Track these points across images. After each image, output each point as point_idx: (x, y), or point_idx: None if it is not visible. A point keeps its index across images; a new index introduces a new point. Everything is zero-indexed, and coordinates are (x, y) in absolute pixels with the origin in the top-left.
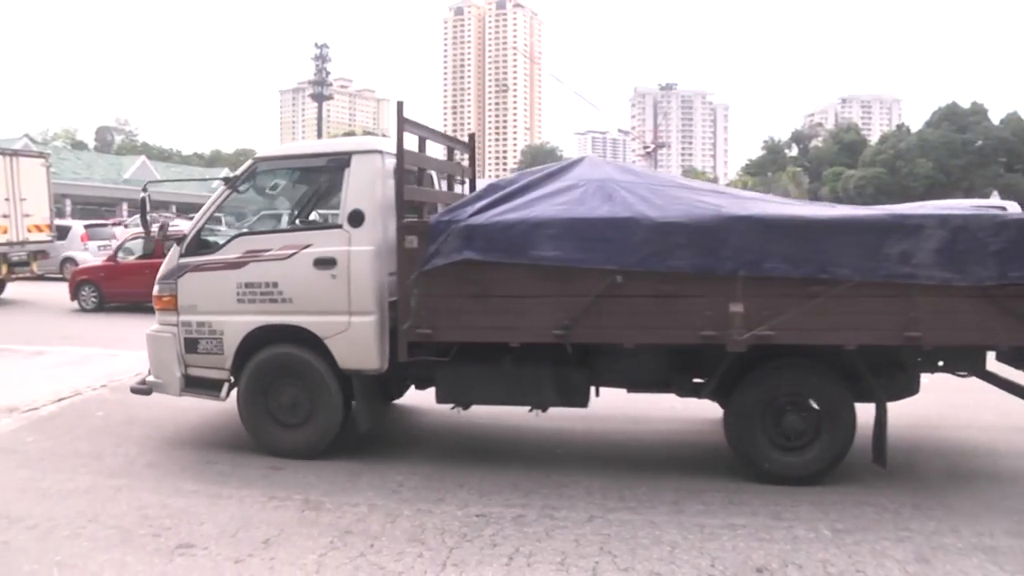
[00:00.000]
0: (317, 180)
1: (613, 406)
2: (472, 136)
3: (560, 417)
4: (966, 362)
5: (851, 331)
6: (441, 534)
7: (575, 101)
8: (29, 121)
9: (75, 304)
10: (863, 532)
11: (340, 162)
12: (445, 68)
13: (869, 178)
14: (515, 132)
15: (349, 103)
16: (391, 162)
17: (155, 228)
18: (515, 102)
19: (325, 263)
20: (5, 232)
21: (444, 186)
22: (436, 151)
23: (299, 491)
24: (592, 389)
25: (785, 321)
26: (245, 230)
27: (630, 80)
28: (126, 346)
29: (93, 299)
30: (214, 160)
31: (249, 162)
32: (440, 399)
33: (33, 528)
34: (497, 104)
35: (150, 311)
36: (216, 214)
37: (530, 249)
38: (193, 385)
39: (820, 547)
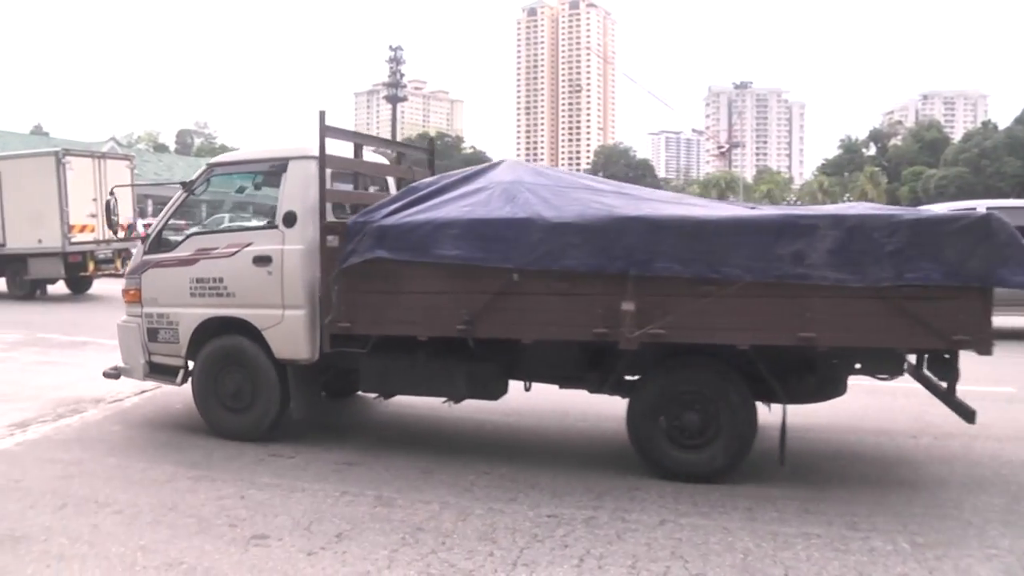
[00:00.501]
0: (275, 183)
1: None
2: (431, 140)
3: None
4: (884, 365)
5: (743, 331)
6: (512, 534)
7: (649, 101)
8: (115, 125)
9: None
10: (945, 547)
11: (279, 167)
12: (518, 69)
13: (951, 178)
14: (588, 132)
15: (423, 105)
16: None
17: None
18: (588, 102)
19: (262, 260)
20: (92, 231)
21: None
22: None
23: (372, 487)
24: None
25: (676, 320)
26: (197, 230)
27: (704, 78)
28: None
29: None
30: None
31: (204, 167)
32: (363, 388)
33: (119, 513)
34: (570, 104)
35: None
36: (176, 215)
37: (434, 248)
38: (155, 371)
39: (898, 560)
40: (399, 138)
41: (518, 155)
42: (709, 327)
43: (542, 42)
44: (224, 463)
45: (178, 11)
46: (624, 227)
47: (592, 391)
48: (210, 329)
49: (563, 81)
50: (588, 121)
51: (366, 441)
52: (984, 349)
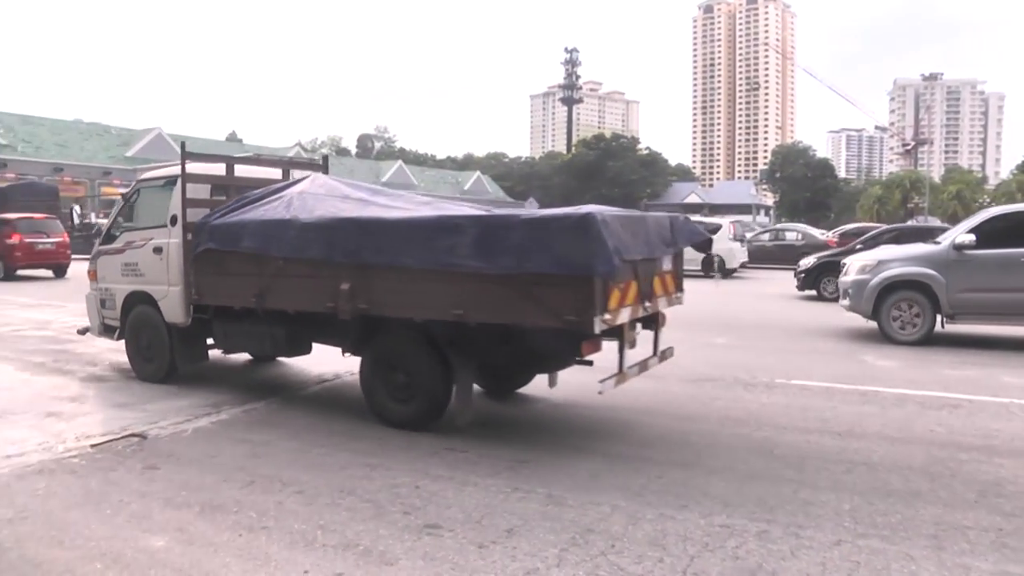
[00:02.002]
0: (169, 194)
1: (880, 424)
2: (326, 157)
3: (813, 430)
4: (546, 347)
5: (419, 308)
6: (683, 541)
7: (829, 97)
8: (300, 131)
9: None
10: None
11: (171, 182)
12: (695, 67)
13: None
14: (765, 131)
15: (598, 106)
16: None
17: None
18: (766, 100)
19: (158, 250)
20: None
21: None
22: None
23: (543, 485)
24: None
25: (375, 298)
26: (126, 227)
27: (890, 71)
28: None
29: None
30: (466, 163)
31: (135, 183)
32: (215, 346)
33: (300, 493)
34: (747, 103)
35: None
36: (119, 216)
37: (239, 241)
38: (105, 330)
39: None
40: (574, 139)
41: (693, 156)
42: (396, 304)
43: (718, 39)
44: (399, 453)
45: (361, 20)
46: (341, 227)
47: (343, 352)
48: (133, 300)
49: (740, 79)
50: (765, 120)
51: (538, 440)
52: (588, 328)
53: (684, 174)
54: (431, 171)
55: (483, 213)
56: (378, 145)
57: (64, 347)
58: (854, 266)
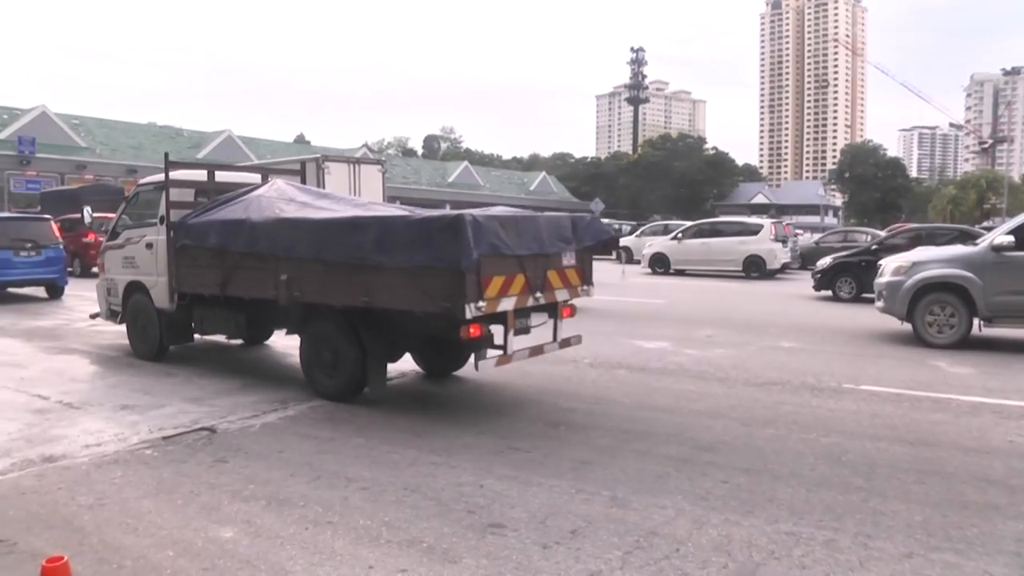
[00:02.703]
0: (159, 197)
1: (955, 433)
2: (303, 163)
3: (883, 438)
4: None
5: (337, 295)
6: (748, 548)
7: (901, 94)
8: (367, 132)
9: None
10: None
11: (161, 187)
12: (762, 65)
13: None
14: (834, 130)
15: (665, 106)
16: (188, 188)
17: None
18: (835, 98)
19: (149, 245)
20: None
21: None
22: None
23: (607, 487)
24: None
25: (306, 287)
26: (127, 226)
27: (967, 66)
28: None
29: None
30: (532, 164)
31: (135, 187)
32: (195, 331)
33: (366, 489)
34: (816, 101)
35: None
36: (122, 216)
37: (207, 238)
38: (111, 315)
39: None
40: (640, 140)
41: (760, 156)
42: (321, 292)
43: (786, 36)
44: (463, 452)
45: (428, 22)
46: (280, 226)
47: (287, 333)
48: (131, 289)
49: (808, 77)
50: (834, 118)
51: (602, 441)
52: (460, 314)
53: (751, 174)
54: (497, 171)
55: (388, 214)
56: (444, 146)
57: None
58: (889, 267)
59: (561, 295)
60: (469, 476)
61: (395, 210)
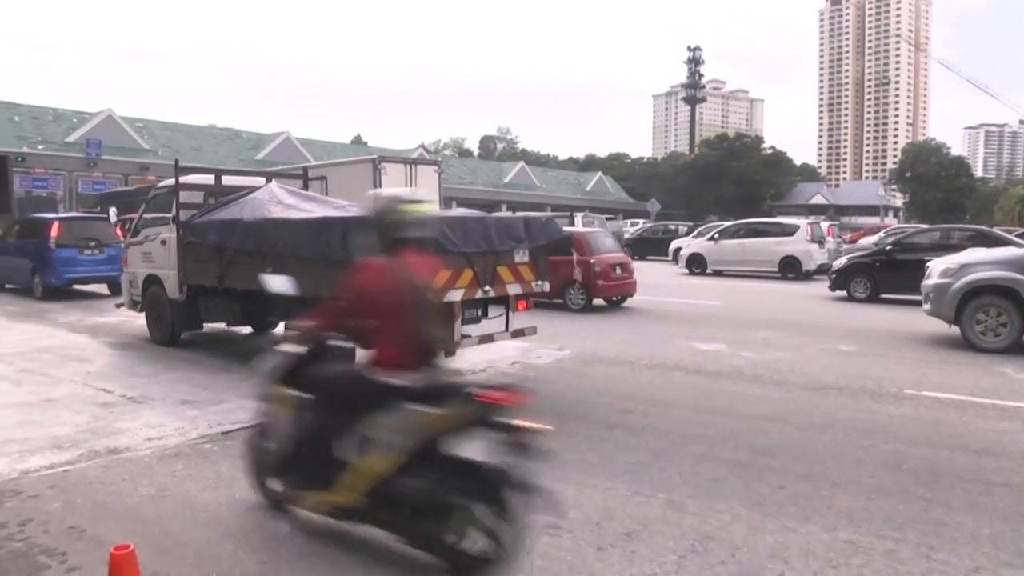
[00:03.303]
0: (171, 198)
1: (1020, 442)
2: (306, 169)
3: (947, 446)
4: None
5: (313, 286)
6: (805, 555)
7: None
8: (424, 133)
9: None
10: None
11: (173, 189)
12: (821, 63)
13: None
14: (896, 128)
15: (722, 105)
16: (197, 191)
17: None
18: (896, 95)
19: (164, 242)
20: None
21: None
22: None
23: (663, 490)
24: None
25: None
26: (146, 224)
27: None
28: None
29: None
30: (588, 164)
31: (153, 190)
32: (202, 319)
33: None
34: (876, 98)
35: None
36: (143, 215)
37: (207, 236)
38: (133, 305)
39: None
40: (697, 139)
41: (819, 155)
42: (300, 284)
43: (846, 32)
44: None
45: (484, 22)
46: (265, 226)
47: (277, 323)
48: (149, 281)
49: (869, 74)
50: (896, 116)
51: (658, 444)
52: None
53: (809, 174)
54: (553, 172)
55: (352, 215)
56: (500, 146)
57: (197, 338)
58: (936, 269)
59: (513, 289)
60: None
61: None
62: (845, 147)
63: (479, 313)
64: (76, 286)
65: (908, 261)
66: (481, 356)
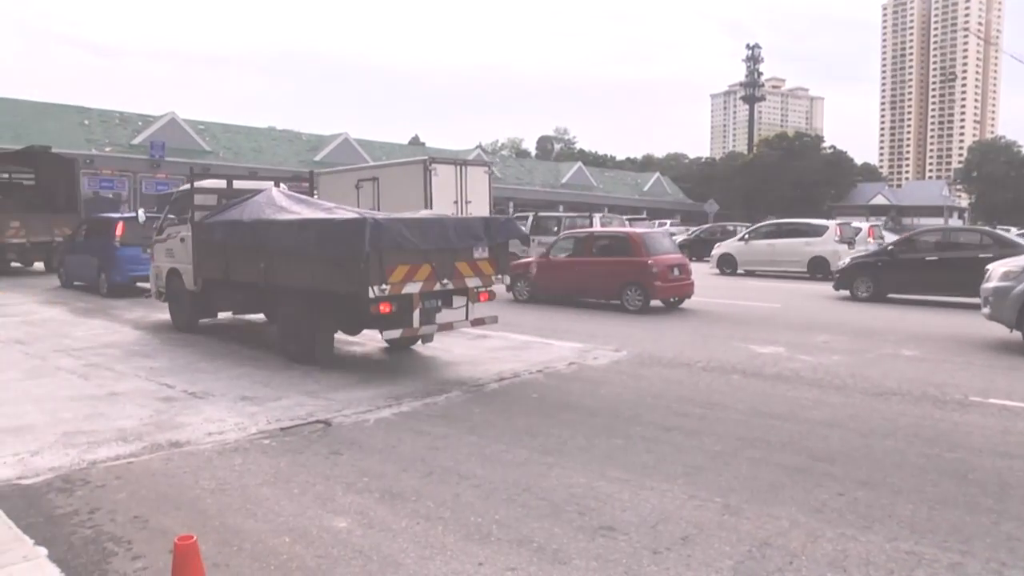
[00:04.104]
0: (189, 200)
1: None
2: (312, 172)
3: (1017, 456)
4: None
5: (295, 279)
6: (865, 565)
7: None
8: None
9: (509, 295)
10: None
11: (190, 193)
12: (883, 60)
13: None
14: (962, 126)
15: (781, 103)
16: (211, 194)
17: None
18: (963, 91)
19: (183, 240)
20: None
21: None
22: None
23: (719, 494)
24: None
25: (276, 274)
26: (169, 224)
27: None
28: (559, 336)
29: (526, 291)
30: (646, 165)
31: (175, 193)
32: (211, 307)
33: (477, 487)
34: (942, 95)
35: (578, 304)
36: (168, 215)
37: (214, 235)
38: (158, 295)
39: None
40: (756, 139)
41: (881, 155)
42: (286, 277)
43: (910, 27)
44: (576, 453)
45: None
46: (259, 225)
47: (268, 312)
48: (171, 274)
49: (934, 69)
50: (962, 114)
51: (715, 447)
52: (364, 294)
53: (870, 174)
54: (610, 172)
55: (328, 217)
56: (558, 147)
57: (259, 335)
58: (996, 272)
59: (472, 282)
60: (581, 478)
61: (351, 213)
62: (908, 146)
63: (439, 304)
64: (140, 283)
65: (910, 261)
66: (537, 357)
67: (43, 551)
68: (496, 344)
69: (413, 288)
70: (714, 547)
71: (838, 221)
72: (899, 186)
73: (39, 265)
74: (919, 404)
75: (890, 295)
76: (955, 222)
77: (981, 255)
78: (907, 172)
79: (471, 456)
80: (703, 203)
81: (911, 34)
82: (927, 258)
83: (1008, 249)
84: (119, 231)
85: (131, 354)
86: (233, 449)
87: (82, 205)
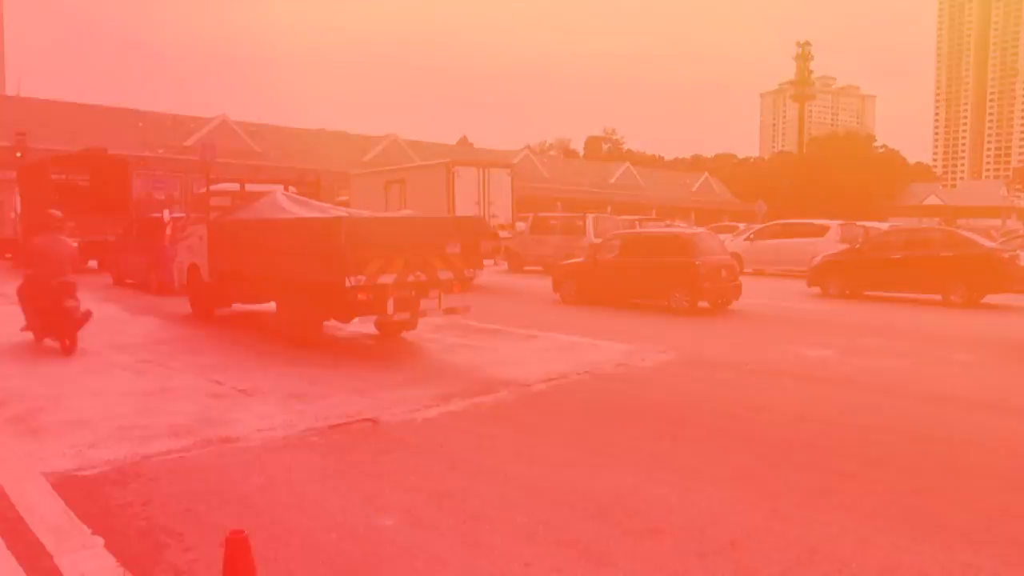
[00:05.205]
0: (206, 202)
1: None
2: (317, 175)
3: None
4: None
5: (290, 271)
6: (917, 574)
7: None
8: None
9: (556, 295)
10: None
11: (206, 195)
12: (938, 57)
13: None
14: (1022, 124)
15: (832, 102)
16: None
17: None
18: None
19: (201, 237)
20: None
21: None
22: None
23: (767, 498)
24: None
25: (272, 266)
26: (192, 221)
27: None
28: (605, 337)
29: (574, 291)
30: (694, 165)
31: (195, 194)
32: (233, 299)
33: (524, 487)
34: (1000, 92)
35: (624, 305)
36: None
37: (224, 232)
38: (181, 287)
39: None
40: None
41: (935, 154)
42: (282, 269)
43: (968, 22)
44: (624, 455)
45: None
46: (262, 224)
47: (266, 301)
48: (192, 268)
49: (992, 66)
50: (1022, 111)
51: (764, 451)
52: (340, 284)
53: (923, 174)
54: (659, 172)
55: (314, 216)
56: (606, 147)
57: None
58: None
59: (444, 275)
60: (629, 479)
61: (341, 213)
62: (963, 145)
63: (413, 294)
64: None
65: (877, 259)
66: (584, 357)
67: (100, 540)
68: (543, 345)
69: (387, 279)
70: (762, 552)
71: (840, 222)
72: (953, 186)
73: (92, 263)
74: (974, 411)
75: (870, 292)
76: (1014, 224)
77: (943, 253)
78: (962, 172)
79: (518, 456)
80: (752, 204)
81: (969, 28)
82: (893, 256)
83: (966, 248)
84: (168, 230)
85: (182, 351)
86: (282, 446)
87: (133, 205)
